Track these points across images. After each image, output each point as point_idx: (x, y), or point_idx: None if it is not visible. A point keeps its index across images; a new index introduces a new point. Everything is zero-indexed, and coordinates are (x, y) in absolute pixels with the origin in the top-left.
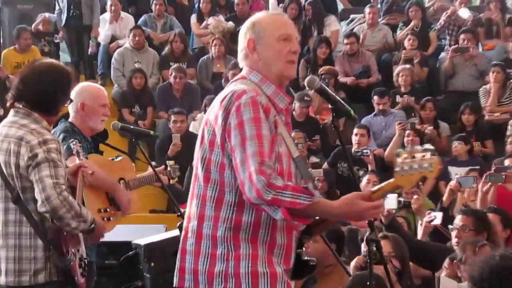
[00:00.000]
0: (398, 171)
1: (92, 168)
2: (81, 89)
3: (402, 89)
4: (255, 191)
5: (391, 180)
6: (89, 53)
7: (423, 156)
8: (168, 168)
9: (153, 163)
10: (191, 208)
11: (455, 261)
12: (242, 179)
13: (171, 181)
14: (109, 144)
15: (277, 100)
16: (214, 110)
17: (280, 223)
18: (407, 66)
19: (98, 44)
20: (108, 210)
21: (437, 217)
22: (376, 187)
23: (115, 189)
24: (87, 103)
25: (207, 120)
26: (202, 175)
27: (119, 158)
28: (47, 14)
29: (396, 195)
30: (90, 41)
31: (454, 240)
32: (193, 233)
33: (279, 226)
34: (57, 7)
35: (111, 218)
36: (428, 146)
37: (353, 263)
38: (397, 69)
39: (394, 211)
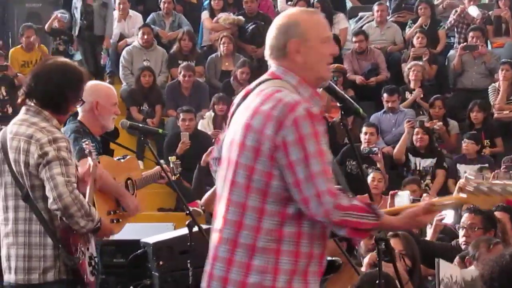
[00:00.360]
0: (473, 190)
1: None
2: (93, 88)
3: (412, 85)
4: (324, 211)
5: (459, 195)
6: (101, 64)
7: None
8: (171, 165)
9: (162, 161)
10: (226, 214)
11: (467, 257)
12: (306, 196)
13: (173, 177)
14: (119, 143)
15: (313, 103)
16: (260, 116)
17: (318, 232)
18: (419, 62)
19: (114, 56)
20: (117, 212)
21: (448, 216)
22: (437, 200)
23: (122, 195)
24: (101, 102)
25: (248, 125)
26: (244, 182)
27: (126, 158)
28: (59, 14)
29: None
30: (102, 53)
31: (462, 239)
32: (228, 240)
33: (317, 235)
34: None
35: (120, 220)
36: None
37: (366, 260)
38: (409, 64)
39: None
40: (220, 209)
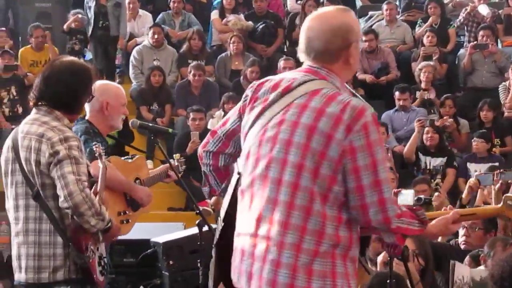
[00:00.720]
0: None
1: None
2: (103, 87)
3: (423, 85)
4: (384, 218)
5: (493, 207)
6: (115, 64)
7: None
8: (175, 163)
9: (171, 160)
10: (288, 218)
11: (482, 255)
12: (367, 202)
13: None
14: (130, 145)
15: None
16: (327, 119)
17: (357, 237)
18: (431, 63)
19: (124, 55)
20: (127, 212)
21: None
22: (466, 210)
23: (133, 189)
24: (111, 102)
25: (313, 126)
26: (309, 186)
27: (134, 158)
28: (79, 15)
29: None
30: (117, 53)
31: (461, 238)
32: (293, 246)
33: (358, 240)
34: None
35: (129, 221)
36: None
37: (380, 259)
38: (420, 65)
39: None
40: (266, 210)
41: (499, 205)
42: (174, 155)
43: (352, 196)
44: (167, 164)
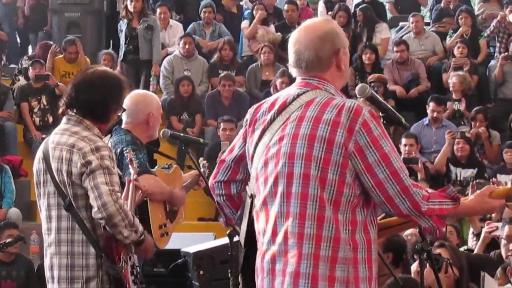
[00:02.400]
0: None
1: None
2: (148, 99)
3: (454, 96)
4: (412, 203)
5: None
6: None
7: None
8: (202, 169)
9: (202, 169)
10: (302, 229)
11: (509, 268)
12: (390, 194)
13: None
14: (160, 152)
15: None
16: (324, 126)
17: (376, 238)
18: (461, 72)
19: (158, 81)
20: (166, 225)
21: (499, 228)
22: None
23: (175, 197)
24: (154, 114)
25: (313, 135)
26: (317, 194)
27: (171, 169)
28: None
29: None
30: (151, 79)
31: (503, 250)
32: (309, 255)
33: (376, 241)
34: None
35: (168, 233)
36: None
37: (414, 268)
38: (451, 75)
39: None
40: (279, 225)
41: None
42: (199, 160)
43: (374, 193)
44: (196, 171)
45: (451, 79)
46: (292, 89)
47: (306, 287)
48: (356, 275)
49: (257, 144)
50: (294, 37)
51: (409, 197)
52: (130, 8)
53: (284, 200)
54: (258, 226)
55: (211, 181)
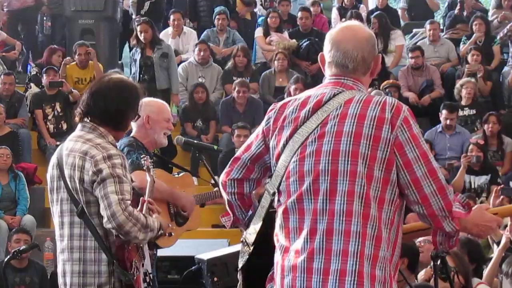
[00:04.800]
0: None
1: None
2: (145, 103)
3: (463, 102)
4: (447, 204)
5: None
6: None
7: None
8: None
9: (216, 177)
10: (346, 226)
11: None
12: (426, 193)
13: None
14: (174, 163)
15: None
16: (368, 122)
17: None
18: (472, 79)
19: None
20: (169, 225)
21: None
22: (495, 209)
23: (177, 198)
24: (152, 116)
25: (358, 133)
26: (363, 192)
27: (181, 174)
28: None
29: None
30: (172, 111)
31: None
32: (354, 253)
33: None
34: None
35: (172, 234)
36: None
37: (421, 276)
38: (460, 81)
39: None
40: (320, 223)
41: None
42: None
43: (410, 190)
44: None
45: (460, 85)
46: (327, 89)
47: (352, 284)
48: (390, 275)
49: (287, 141)
50: (339, 36)
51: (444, 197)
52: (141, 38)
53: (327, 197)
54: (286, 225)
55: (223, 179)
